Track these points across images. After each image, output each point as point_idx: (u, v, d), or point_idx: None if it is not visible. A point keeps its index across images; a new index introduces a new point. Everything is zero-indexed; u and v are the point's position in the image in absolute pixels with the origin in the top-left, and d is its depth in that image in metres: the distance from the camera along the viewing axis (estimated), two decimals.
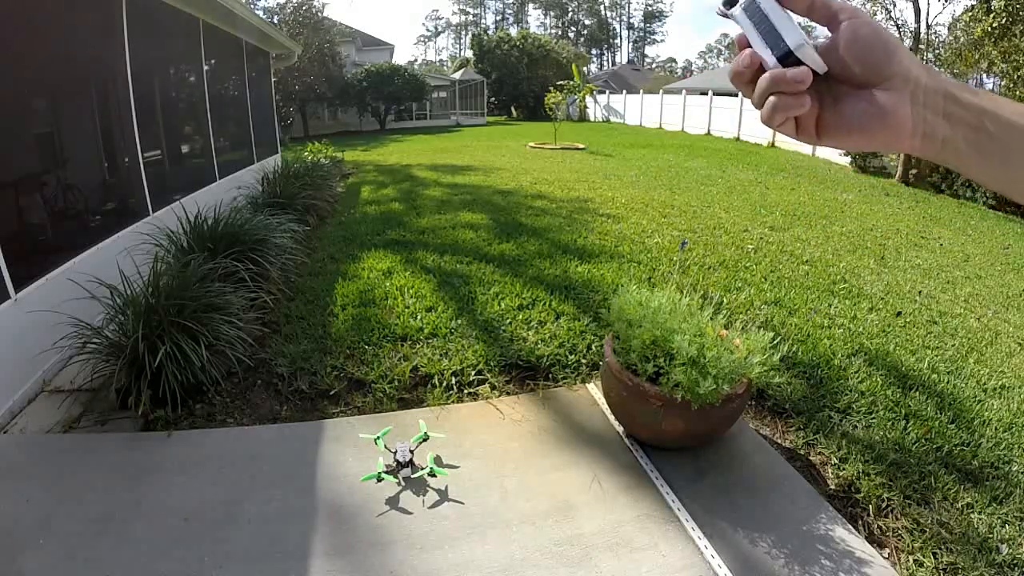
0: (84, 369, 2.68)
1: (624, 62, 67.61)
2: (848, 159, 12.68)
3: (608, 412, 2.65)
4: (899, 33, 11.47)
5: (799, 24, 0.46)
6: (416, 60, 71.10)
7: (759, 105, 0.46)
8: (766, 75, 0.45)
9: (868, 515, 2.14)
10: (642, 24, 75.34)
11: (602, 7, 73.43)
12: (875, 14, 11.68)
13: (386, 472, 2.16)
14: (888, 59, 0.44)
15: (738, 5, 0.46)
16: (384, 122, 23.98)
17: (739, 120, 17.54)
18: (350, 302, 3.80)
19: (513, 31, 35.68)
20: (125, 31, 4.12)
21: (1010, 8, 8.34)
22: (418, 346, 3.23)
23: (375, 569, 1.82)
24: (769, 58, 0.45)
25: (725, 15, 0.47)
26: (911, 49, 11.05)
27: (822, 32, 0.48)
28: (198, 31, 5.85)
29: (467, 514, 2.05)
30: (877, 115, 0.44)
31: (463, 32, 74.04)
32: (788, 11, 0.45)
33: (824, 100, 0.47)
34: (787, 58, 0.44)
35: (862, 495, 2.22)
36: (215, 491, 2.14)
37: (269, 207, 5.15)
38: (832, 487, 2.29)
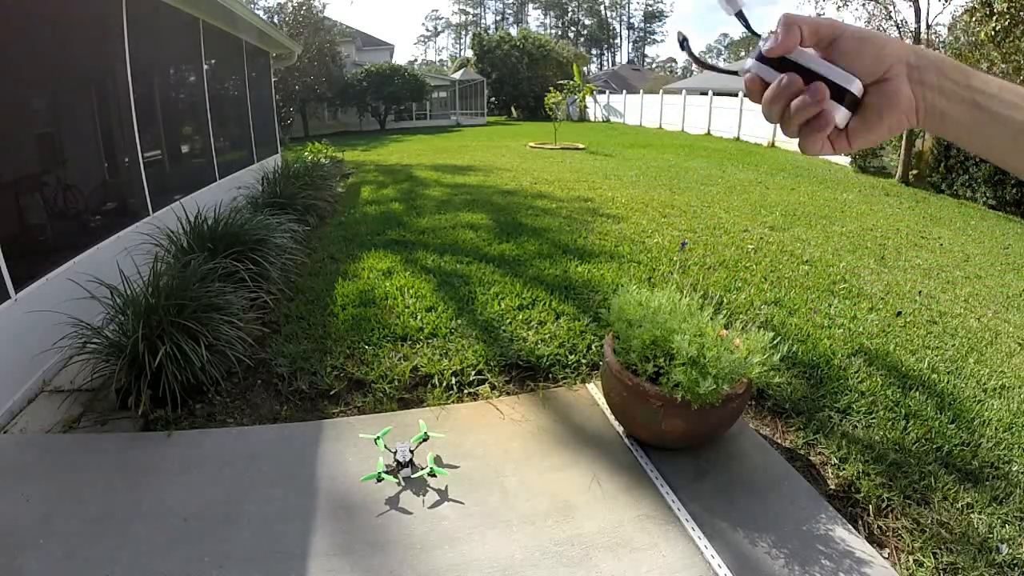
0: (84, 369, 2.68)
1: (624, 62, 67.64)
2: (848, 159, 12.67)
3: (608, 412, 2.65)
4: (899, 33, 11.46)
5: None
6: (416, 60, 71.26)
7: (793, 133, 0.52)
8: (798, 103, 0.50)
9: (868, 515, 2.14)
10: (642, 24, 75.40)
11: (602, 7, 73.45)
12: (875, 15, 11.67)
13: (386, 472, 2.16)
14: (881, 49, 0.50)
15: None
16: (384, 122, 23.97)
17: (739, 120, 17.52)
18: (350, 302, 3.80)
19: (513, 31, 35.68)
20: (125, 31, 4.12)
21: (1011, 9, 8.33)
22: (418, 346, 3.22)
23: (375, 569, 1.82)
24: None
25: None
26: None
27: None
28: (198, 31, 5.85)
29: (467, 514, 2.05)
30: (886, 103, 0.50)
31: (463, 32, 74.05)
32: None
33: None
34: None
35: (862, 495, 2.22)
36: (215, 491, 2.14)
37: (269, 207, 5.15)
38: (832, 487, 2.29)
